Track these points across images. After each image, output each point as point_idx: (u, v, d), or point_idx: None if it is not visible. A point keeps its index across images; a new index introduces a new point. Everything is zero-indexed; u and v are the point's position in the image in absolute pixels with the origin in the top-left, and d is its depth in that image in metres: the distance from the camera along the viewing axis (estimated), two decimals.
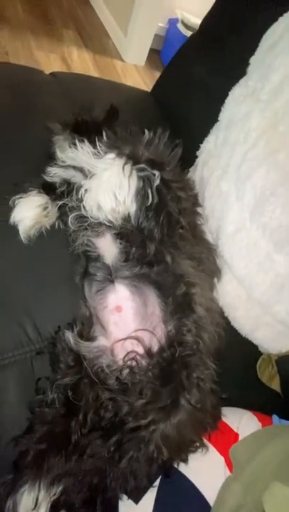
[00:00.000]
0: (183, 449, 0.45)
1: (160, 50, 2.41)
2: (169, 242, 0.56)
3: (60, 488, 0.43)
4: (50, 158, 0.69)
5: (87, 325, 0.56)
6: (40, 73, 0.86)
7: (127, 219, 0.55)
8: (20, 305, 0.55)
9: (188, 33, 2.24)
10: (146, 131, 0.61)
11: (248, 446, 0.51)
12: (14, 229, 0.58)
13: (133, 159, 0.55)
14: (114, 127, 0.64)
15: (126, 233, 0.55)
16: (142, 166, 0.54)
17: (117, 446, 0.41)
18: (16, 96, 0.75)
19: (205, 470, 0.48)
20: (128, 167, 0.53)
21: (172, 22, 2.26)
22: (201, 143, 0.79)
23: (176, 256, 0.56)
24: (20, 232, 0.58)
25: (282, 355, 0.69)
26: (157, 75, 2.58)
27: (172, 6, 2.24)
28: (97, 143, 0.59)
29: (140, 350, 0.51)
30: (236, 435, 0.54)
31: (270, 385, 0.72)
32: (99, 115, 0.70)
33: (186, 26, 2.19)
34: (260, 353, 0.74)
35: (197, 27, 2.41)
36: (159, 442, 0.43)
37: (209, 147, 0.71)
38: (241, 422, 0.56)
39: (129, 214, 0.55)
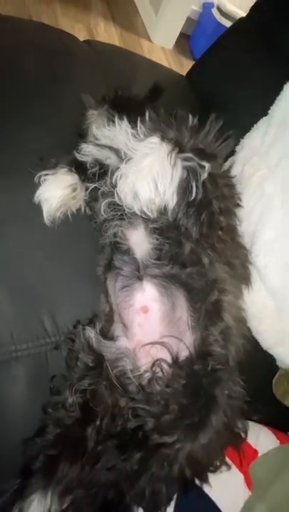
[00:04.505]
0: (207, 469, 0.42)
1: (190, 36, 2.29)
2: (206, 243, 0.51)
3: (70, 498, 0.39)
4: (81, 135, 0.63)
5: (107, 322, 0.52)
6: (75, 40, 0.79)
7: (162, 212, 0.50)
8: (38, 293, 0.50)
9: (224, 20, 2.13)
10: (191, 116, 0.56)
11: (269, 465, 0.49)
12: (37, 208, 0.53)
13: (178, 146, 0.49)
14: (157, 108, 0.58)
15: (162, 228, 0.50)
16: (189, 155, 0.48)
17: (140, 465, 0.38)
18: (50, 62, 0.67)
19: (224, 486, 0.45)
20: (173, 155, 0.48)
21: (207, 6, 2.13)
22: (242, 137, 0.73)
23: (213, 259, 0.51)
24: (44, 213, 0.52)
25: None
26: (185, 61, 2.45)
27: None
28: (138, 123, 0.53)
29: (166, 357, 0.46)
30: (255, 451, 0.51)
31: (283, 401, 0.70)
32: (139, 93, 0.64)
33: (222, 13, 2.06)
34: (276, 367, 0.71)
35: (233, 15, 2.24)
36: (184, 462, 0.39)
37: (254, 144, 0.66)
38: (259, 438, 0.54)
39: (165, 207, 0.49)
